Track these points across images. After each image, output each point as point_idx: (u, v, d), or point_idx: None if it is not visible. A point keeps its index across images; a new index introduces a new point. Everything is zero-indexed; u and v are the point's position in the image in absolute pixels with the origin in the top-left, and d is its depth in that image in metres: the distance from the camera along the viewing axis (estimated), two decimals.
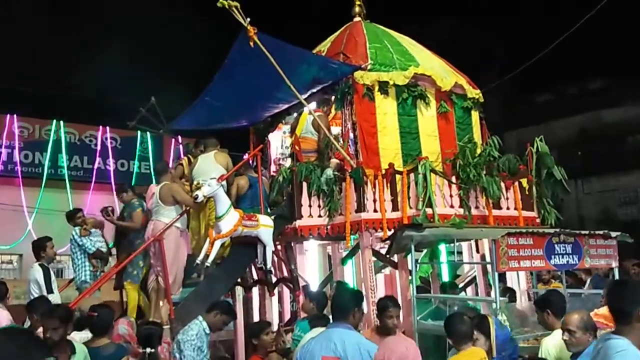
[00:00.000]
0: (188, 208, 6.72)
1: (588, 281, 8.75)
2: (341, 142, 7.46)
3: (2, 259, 17.21)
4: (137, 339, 4.86)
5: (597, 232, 6.62)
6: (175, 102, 9.09)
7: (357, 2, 8.87)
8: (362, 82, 7.42)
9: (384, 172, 7.08)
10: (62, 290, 7.00)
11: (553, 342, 4.30)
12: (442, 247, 8.17)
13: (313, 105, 7.96)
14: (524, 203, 7.74)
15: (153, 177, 12.43)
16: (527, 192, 7.87)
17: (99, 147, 18.35)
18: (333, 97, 7.86)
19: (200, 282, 6.63)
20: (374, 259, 6.98)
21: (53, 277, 6.51)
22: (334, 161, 7.37)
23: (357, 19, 8.72)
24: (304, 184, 7.16)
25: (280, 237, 7.39)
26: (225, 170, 6.92)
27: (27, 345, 2.13)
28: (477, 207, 7.29)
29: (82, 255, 7.14)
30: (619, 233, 6.83)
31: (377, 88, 7.49)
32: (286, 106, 8.35)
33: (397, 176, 7.05)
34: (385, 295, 6.46)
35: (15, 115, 17.18)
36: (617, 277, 6.81)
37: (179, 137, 9.93)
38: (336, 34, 8.63)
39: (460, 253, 8.21)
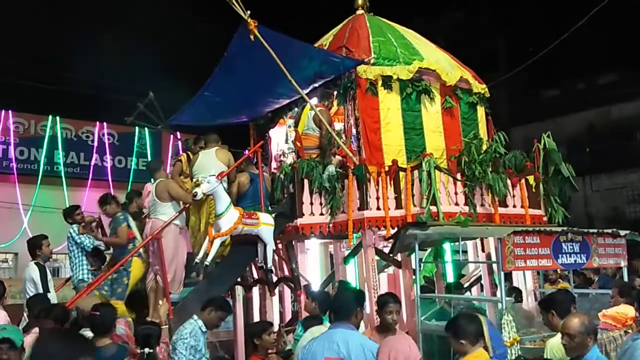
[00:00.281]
0: (187, 205, 6.65)
1: (596, 281, 8.66)
2: (343, 138, 7.40)
3: None
4: (135, 339, 4.78)
5: (605, 230, 6.53)
6: (174, 97, 8.99)
7: None
8: (365, 77, 7.34)
9: (387, 169, 7.01)
10: (58, 290, 6.96)
11: (558, 343, 4.23)
12: (447, 246, 8.11)
13: (315, 100, 7.90)
14: (531, 201, 7.67)
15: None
16: (534, 190, 7.80)
17: (96, 144, 18.12)
18: (335, 92, 7.79)
19: (200, 281, 6.56)
20: (376, 258, 6.92)
21: (49, 276, 6.50)
22: (337, 158, 7.29)
23: (360, 11, 8.62)
24: (306, 181, 7.10)
25: (281, 235, 7.33)
26: (226, 167, 6.85)
27: (73, 344, 2.33)
28: (482, 205, 7.23)
29: (80, 254, 7.06)
30: (628, 232, 6.78)
31: (380, 83, 7.39)
32: (287, 101, 8.29)
33: (401, 173, 6.98)
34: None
35: (10, 111, 16.94)
36: (625, 277, 6.75)
37: (178, 133, 9.81)
38: (338, 27, 8.54)
39: (465, 252, 8.09)
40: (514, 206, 7.53)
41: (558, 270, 8.00)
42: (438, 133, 7.72)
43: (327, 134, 7.47)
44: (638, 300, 4.75)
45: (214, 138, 7.22)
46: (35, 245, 6.54)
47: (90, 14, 19.55)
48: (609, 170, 21.34)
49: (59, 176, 17.33)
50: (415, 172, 6.92)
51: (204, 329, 4.89)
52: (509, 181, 7.45)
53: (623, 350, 2.85)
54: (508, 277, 7.45)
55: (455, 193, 7.09)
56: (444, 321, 5.25)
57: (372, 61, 7.41)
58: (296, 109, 8.33)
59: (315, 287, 7.21)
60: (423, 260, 7.84)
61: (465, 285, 8.16)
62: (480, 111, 8.30)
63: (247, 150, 8.26)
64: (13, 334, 3.69)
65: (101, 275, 6.71)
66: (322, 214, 7.10)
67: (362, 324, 4.48)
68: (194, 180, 6.90)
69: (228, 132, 8.24)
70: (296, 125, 8.15)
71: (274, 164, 8.81)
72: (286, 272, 7.77)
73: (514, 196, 7.55)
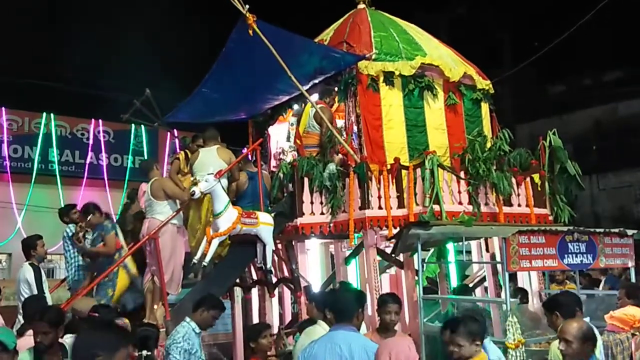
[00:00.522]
0: (184, 203, 6.60)
1: (603, 281, 8.55)
2: (344, 135, 7.33)
3: None
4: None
5: (612, 230, 6.46)
6: (171, 94, 8.96)
7: None
8: (366, 73, 7.27)
9: (389, 167, 6.95)
10: (53, 291, 6.88)
11: None
12: (450, 246, 8.03)
13: (315, 97, 7.83)
14: (536, 200, 7.63)
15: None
16: (539, 188, 7.75)
17: (91, 141, 17.99)
18: (336, 89, 7.72)
19: (198, 282, 6.51)
20: (378, 258, 6.86)
21: (44, 277, 6.42)
22: (338, 157, 7.24)
23: (362, 6, 8.54)
24: (306, 180, 7.03)
25: (281, 235, 7.28)
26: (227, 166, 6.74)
27: (115, 334, 2.42)
28: (486, 204, 7.20)
29: (76, 254, 6.95)
30: (635, 231, 6.71)
31: (382, 79, 7.33)
32: (287, 98, 8.22)
33: (403, 171, 6.92)
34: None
35: (3, 108, 16.81)
36: (632, 277, 6.68)
37: (175, 131, 9.74)
38: (339, 22, 8.47)
39: (469, 252, 8.03)
40: (519, 205, 7.49)
41: (565, 270, 7.92)
42: (441, 130, 7.66)
43: (327, 131, 7.41)
44: None
45: (213, 134, 7.14)
46: (30, 245, 6.45)
47: (85, 10, 19.40)
48: (616, 168, 21.16)
49: (54, 175, 17.21)
50: (418, 171, 6.87)
51: (197, 330, 4.81)
52: (513, 179, 7.40)
53: None
54: (513, 277, 7.41)
55: (459, 192, 7.04)
56: None
57: (373, 57, 7.35)
58: (296, 106, 8.27)
59: (316, 288, 7.13)
60: (426, 260, 7.77)
61: (469, 285, 8.10)
62: (485, 108, 8.24)
63: (245, 148, 8.19)
64: (5, 336, 3.66)
65: (86, 285, 6.50)
66: (322, 213, 7.03)
67: (363, 325, 4.39)
68: (192, 178, 6.81)
69: (226, 129, 8.16)
70: (298, 123, 8.09)
71: (273, 162, 8.77)
72: (286, 273, 7.70)
73: (518, 195, 7.51)
